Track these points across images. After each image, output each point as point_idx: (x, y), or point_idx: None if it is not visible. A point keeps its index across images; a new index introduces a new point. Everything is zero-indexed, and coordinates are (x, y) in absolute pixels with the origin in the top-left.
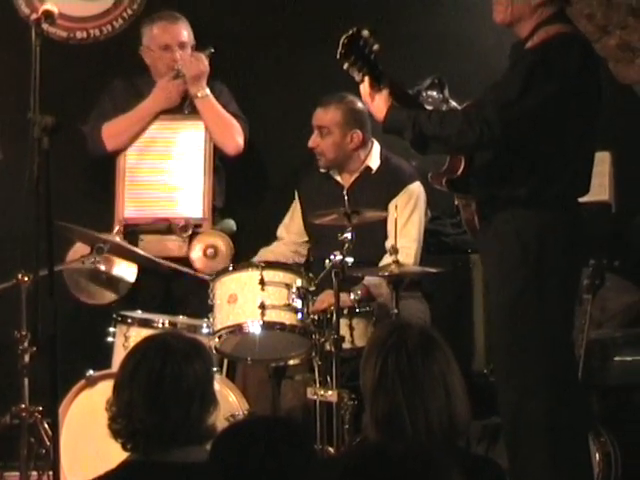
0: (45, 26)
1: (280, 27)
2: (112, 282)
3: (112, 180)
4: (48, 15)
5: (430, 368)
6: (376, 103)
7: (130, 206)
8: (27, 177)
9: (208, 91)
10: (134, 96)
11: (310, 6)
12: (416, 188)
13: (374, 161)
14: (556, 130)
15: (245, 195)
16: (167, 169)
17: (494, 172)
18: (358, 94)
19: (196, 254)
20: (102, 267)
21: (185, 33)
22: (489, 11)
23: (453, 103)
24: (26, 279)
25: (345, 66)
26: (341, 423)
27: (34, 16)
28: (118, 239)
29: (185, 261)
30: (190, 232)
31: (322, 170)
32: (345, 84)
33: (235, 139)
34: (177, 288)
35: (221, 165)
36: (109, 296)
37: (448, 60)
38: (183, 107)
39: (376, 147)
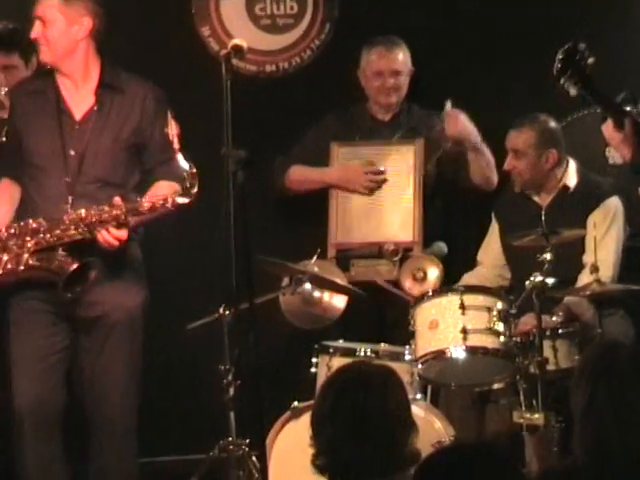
0: (235, 61)
1: (476, 46)
2: (324, 308)
3: (315, 205)
4: (237, 50)
5: None
6: (621, 144)
7: (342, 231)
8: (223, 211)
9: (478, 142)
10: (347, 127)
11: (500, 26)
12: (614, 202)
13: (571, 179)
14: None
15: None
16: (378, 193)
17: None
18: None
19: (406, 277)
20: (316, 294)
21: (400, 60)
22: None
23: None
24: (227, 313)
25: (562, 81)
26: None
27: (224, 52)
28: (316, 269)
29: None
30: (400, 256)
31: (517, 191)
32: (538, 105)
33: (495, 177)
34: (389, 315)
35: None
36: (321, 322)
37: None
38: (394, 135)
39: (572, 165)
